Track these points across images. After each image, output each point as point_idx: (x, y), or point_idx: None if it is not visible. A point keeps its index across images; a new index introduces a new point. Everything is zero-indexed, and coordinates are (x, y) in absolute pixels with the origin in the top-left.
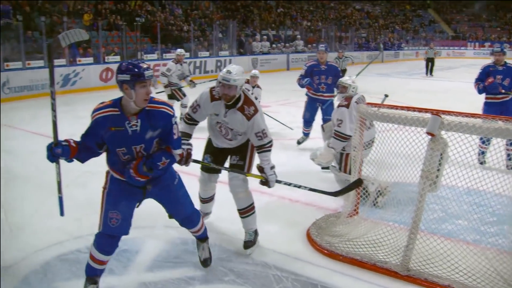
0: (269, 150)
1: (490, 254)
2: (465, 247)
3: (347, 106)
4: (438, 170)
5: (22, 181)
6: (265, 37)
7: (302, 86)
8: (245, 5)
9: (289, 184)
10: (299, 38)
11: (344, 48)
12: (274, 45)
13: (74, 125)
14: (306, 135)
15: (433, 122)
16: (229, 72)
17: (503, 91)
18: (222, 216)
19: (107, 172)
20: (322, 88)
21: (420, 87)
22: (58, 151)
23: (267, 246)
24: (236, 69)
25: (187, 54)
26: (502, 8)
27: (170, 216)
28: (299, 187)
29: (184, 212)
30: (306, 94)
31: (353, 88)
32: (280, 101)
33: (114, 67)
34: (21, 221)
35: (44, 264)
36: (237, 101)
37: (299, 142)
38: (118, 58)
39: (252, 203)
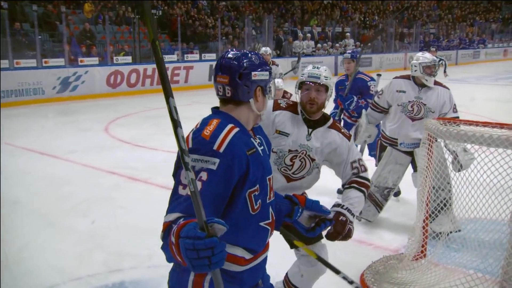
0: (363, 191)
1: None
2: None
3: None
4: None
5: (10, 208)
6: (308, 34)
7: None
8: None
9: None
10: (349, 37)
11: (407, 48)
12: (319, 45)
13: (76, 140)
14: None
15: None
16: (316, 67)
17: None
18: None
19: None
20: (352, 113)
21: (509, 96)
22: (223, 227)
23: None
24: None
25: (213, 56)
26: None
27: None
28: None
29: None
30: (342, 118)
31: None
32: None
33: (124, 69)
34: (7, 258)
35: None
36: (325, 116)
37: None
38: (129, 59)
39: None
